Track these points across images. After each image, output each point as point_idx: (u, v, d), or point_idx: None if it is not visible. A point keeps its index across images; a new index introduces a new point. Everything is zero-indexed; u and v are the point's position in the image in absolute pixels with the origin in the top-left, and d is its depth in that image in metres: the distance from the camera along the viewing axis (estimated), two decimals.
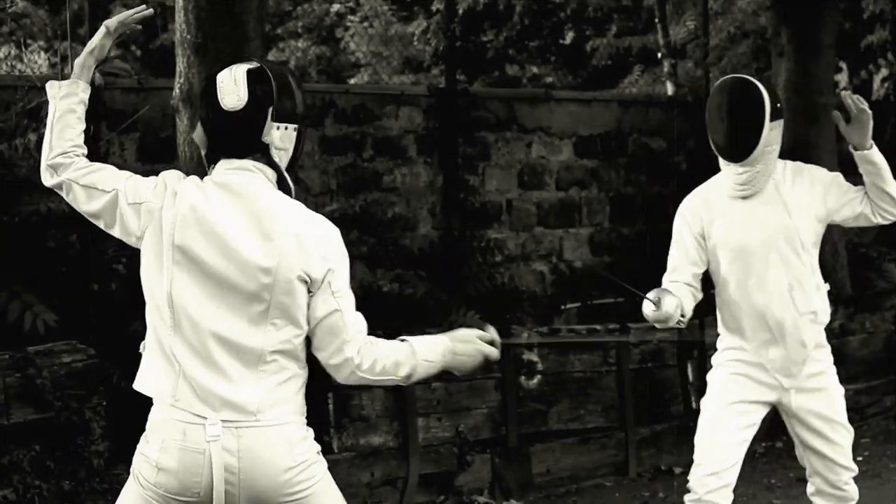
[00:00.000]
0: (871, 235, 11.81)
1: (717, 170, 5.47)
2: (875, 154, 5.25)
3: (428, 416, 7.83)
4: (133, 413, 7.07)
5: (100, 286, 7.65)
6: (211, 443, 3.59)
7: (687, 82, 12.31)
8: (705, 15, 12.21)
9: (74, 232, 7.63)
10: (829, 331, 9.96)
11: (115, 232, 3.80)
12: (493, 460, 8.07)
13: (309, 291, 3.65)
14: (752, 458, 8.78)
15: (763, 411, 5.40)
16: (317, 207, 9.12)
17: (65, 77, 7.47)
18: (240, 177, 3.71)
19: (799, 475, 8.35)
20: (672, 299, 5.09)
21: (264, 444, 3.61)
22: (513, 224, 10.57)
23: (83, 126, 3.93)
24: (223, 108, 3.69)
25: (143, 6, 4.10)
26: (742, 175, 5.25)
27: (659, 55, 13.48)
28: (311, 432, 3.75)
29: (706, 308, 7.29)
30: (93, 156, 7.10)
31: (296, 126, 3.77)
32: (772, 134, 5.21)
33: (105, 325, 7.48)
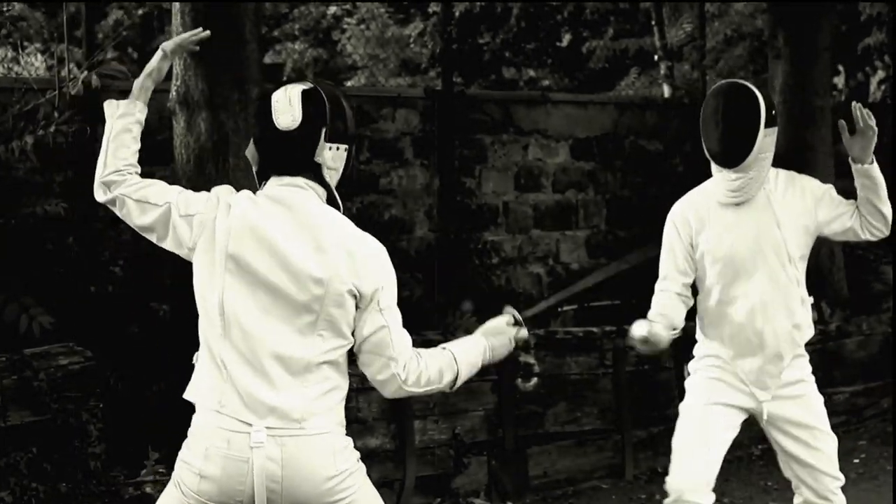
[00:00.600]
0: None
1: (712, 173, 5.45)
2: (874, 169, 5.20)
3: (424, 418, 7.83)
4: (130, 416, 7.09)
5: (97, 288, 7.65)
6: (255, 449, 3.63)
7: (683, 85, 12.33)
8: (702, 17, 12.23)
9: (71, 234, 7.63)
10: (827, 333, 10.01)
11: (168, 244, 3.88)
12: (490, 463, 8.07)
13: (357, 307, 3.73)
14: (749, 461, 8.79)
15: (741, 417, 5.34)
16: None
17: (61, 79, 7.49)
18: (291, 192, 3.77)
19: None
20: (659, 329, 5.16)
21: (308, 453, 3.67)
22: (509, 226, 10.58)
23: (138, 146, 4.04)
24: (277, 127, 3.75)
25: (200, 29, 4.21)
26: (735, 182, 5.19)
27: (655, 57, 13.50)
28: (350, 441, 3.82)
29: None
30: (89, 158, 7.09)
31: (346, 146, 3.84)
32: (766, 141, 5.16)
33: (102, 328, 7.48)
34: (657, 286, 5.39)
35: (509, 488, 8.11)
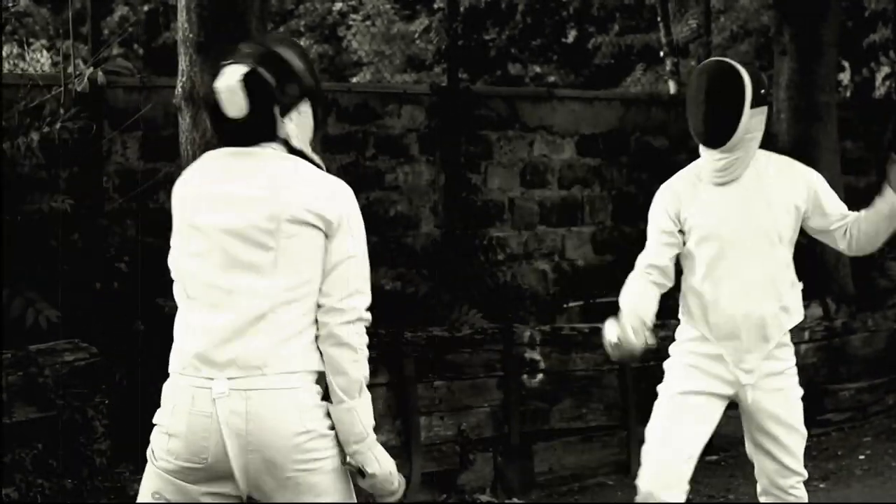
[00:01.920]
0: None
1: None
2: None
3: (430, 414, 7.83)
4: (135, 412, 7.10)
5: (102, 284, 7.66)
6: (217, 401, 3.57)
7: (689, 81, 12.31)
8: (707, 13, 12.22)
9: (77, 230, 7.64)
10: (832, 329, 9.99)
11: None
12: (496, 459, 8.07)
13: (326, 236, 3.61)
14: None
15: (720, 407, 5.15)
16: None
17: (67, 76, 7.49)
18: (254, 148, 3.71)
19: None
20: (630, 334, 4.85)
21: (272, 406, 3.57)
22: (515, 222, 10.58)
23: None
24: (229, 117, 3.66)
25: None
26: (720, 161, 5.07)
27: (661, 53, 13.48)
28: (325, 407, 3.66)
29: None
30: (95, 155, 7.11)
31: (309, 100, 3.73)
32: (753, 121, 5.00)
33: (107, 324, 7.49)
34: (638, 265, 5.22)
35: (515, 484, 8.11)
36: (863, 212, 5.13)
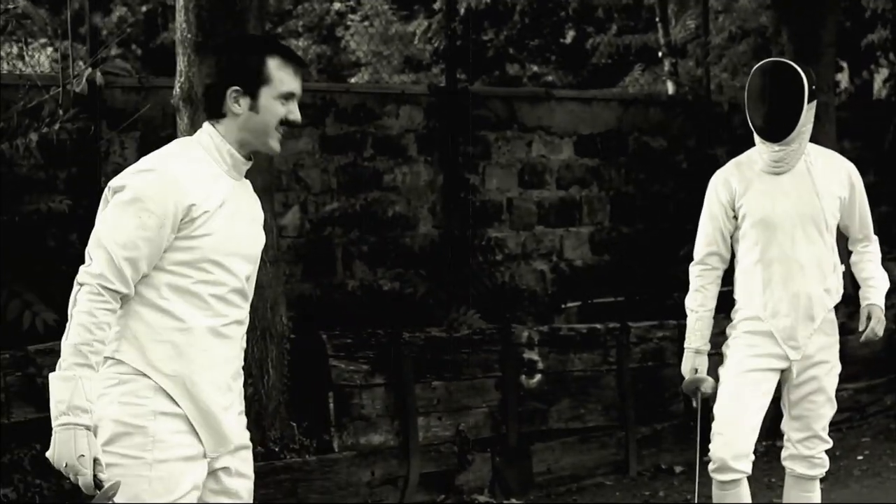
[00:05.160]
0: None
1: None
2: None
3: (428, 415, 7.83)
4: None
5: None
6: None
7: (687, 81, 12.30)
8: (706, 14, 12.21)
9: (74, 231, 7.63)
10: None
11: None
12: (494, 459, 8.07)
13: None
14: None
15: (775, 379, 5.62)
16: (317, 206, 9.16)
17: (65, 76, 7.48)
18: None
19: None
20: (704, 375, 5.65)
21: None
22: (513, 223, 10.57)
23: None
24: None
25: None
26: (778, 153, 5.50)
27: (660, 54, 13.48)
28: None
29: None
30: (93, 155, 7.11)
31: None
32: (808, 114, 5.45)
33: None
34: (697, 252, 5.69)
35: (513, 485, 8.11)
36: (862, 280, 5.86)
